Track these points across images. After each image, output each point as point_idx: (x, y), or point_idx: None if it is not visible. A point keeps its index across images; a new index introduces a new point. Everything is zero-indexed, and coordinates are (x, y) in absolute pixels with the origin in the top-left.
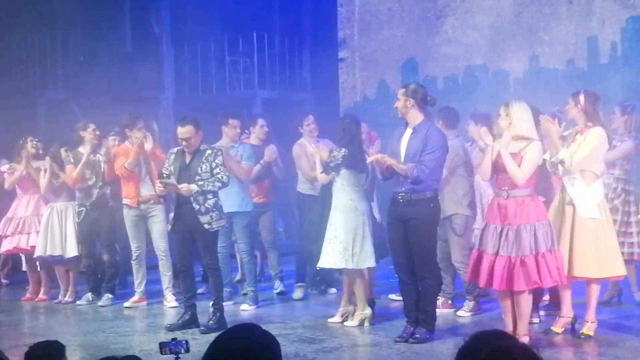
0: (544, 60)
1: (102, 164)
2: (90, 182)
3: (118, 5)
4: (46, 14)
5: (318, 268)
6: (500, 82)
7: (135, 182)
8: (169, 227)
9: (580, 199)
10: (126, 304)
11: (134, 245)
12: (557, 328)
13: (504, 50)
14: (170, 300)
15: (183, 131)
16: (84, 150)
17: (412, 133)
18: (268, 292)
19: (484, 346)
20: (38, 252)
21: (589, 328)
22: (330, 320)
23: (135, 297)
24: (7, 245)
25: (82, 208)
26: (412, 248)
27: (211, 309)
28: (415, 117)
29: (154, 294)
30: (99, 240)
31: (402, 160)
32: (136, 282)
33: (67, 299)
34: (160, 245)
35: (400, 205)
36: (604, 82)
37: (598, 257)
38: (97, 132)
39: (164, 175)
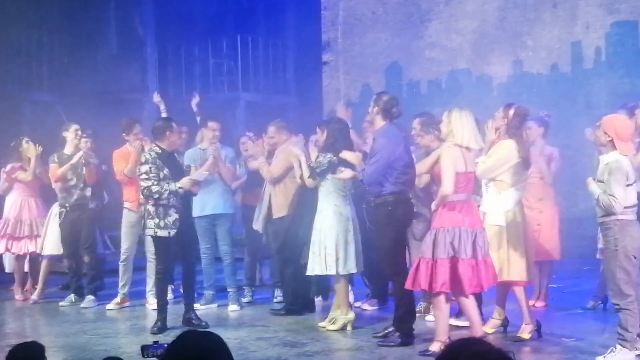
0: (528, 65)
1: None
2: (71, 183)
3: (103, 7)
4: (31, 16)
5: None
6: (483, 87)
7: (136, 186)
8: None
9: (489, 207)
10: (109, 307)
11: (124, 247)
12: (488, 328)
13: (487, 55)
14: (152, 303)
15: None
16: (68, 151)
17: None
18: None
19: (460, 353)
20: (49, 251)
21: (522, 330)
22: (320, 324)
23: (118, 299)
24: (27, 247)
25: (63, 209)
26: (378, 250)
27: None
28: (377, 123)
29: (136, 296)
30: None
31: None
32: (120, 284)
33: (35, 297)
34: (152, 247)
35: (368, 208)
36: (587, 87)
37: (497, 262)
38: (80, 133)
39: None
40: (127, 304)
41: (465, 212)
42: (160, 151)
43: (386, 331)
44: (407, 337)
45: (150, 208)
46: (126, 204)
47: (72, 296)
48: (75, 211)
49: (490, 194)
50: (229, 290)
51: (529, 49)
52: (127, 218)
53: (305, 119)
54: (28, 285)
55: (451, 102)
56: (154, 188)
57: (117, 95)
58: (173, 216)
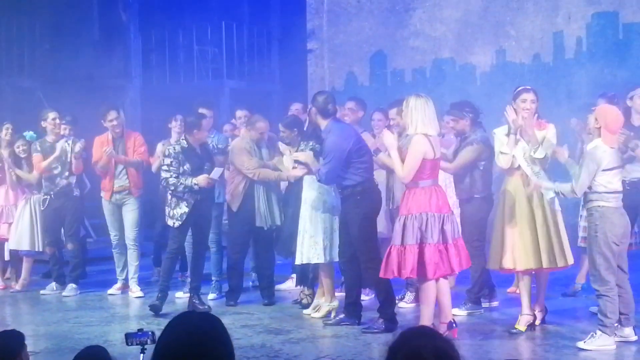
0: (511, 55)
1: (69, 155)
2: (55, 172)
3: None
4: (13, 1)
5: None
6: (467, 76)
7: (110, 177)
8: None
9: (552, 192)
10: (110, 291)
11: (112, 234)
12: (521, 326)
13: (471, 44)
14: (135, 291)
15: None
16: (50, 138)
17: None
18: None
19: (403, 345)
20: (13, 246)
21: (520, 322)
22: (305, 311)
23: (118, 285)
24: None
25: (47, 197)
26: (353, 240)
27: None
28: (321, 123)
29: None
30: (63, 229)
31: None
32: (117, 270)
33: (18, 287)
34: (130, 234)
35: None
36: (569, 76)
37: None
38: (57, 121)
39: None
40: (127, 290)
41: (432, 197)
42: (186, 145)
43: (338, 318)
44: (390, 323)
45: (168, 196)
46: (102, 193)
47: (53, 284)
48: (60, 199)
49: (546, 180)
50: (213, 278)
51: (512, 38)
52: (105, 207)
53: (289, 107)
54: (8, 273)
55: (435, 91)
56: (171, 180)
57: (100, 82)
58: (183, 209)
